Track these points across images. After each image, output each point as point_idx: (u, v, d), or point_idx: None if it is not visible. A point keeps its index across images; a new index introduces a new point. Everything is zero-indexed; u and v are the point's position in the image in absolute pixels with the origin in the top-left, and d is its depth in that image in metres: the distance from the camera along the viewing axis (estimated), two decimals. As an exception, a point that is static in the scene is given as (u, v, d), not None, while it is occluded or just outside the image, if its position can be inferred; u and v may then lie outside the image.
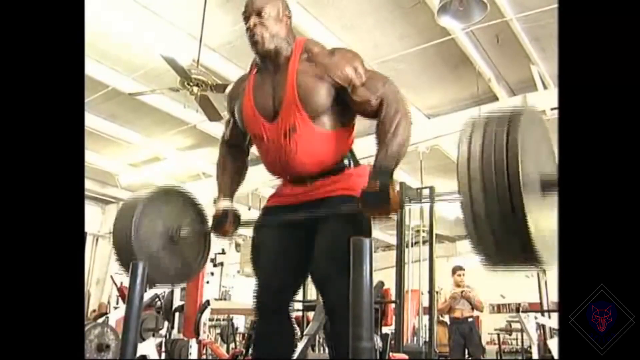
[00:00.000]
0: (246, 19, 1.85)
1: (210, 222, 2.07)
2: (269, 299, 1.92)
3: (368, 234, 1.82)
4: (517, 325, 8.71)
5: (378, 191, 1.66)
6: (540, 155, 1.32)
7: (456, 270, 6.99)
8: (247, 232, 9.58)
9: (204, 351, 5.89)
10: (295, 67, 1.83)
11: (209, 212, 2.12)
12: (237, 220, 2.01)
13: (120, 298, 7.68)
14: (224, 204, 2.01)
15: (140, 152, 8.69)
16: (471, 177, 1.21)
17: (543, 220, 1.24)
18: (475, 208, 1.21)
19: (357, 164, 1.95)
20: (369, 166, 1.82)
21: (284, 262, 1.92)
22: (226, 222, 1.98)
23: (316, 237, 1.81)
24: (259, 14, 1.82)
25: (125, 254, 1.98)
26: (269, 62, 1.88)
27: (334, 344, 1.92)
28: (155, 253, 2.01)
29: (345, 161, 1.92)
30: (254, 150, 2.08)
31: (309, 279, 2.05)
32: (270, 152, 1.90)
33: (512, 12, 5.00)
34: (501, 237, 1.19)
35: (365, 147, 2.07)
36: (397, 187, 1.72)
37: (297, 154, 1.83)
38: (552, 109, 6.05)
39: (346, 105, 1.86)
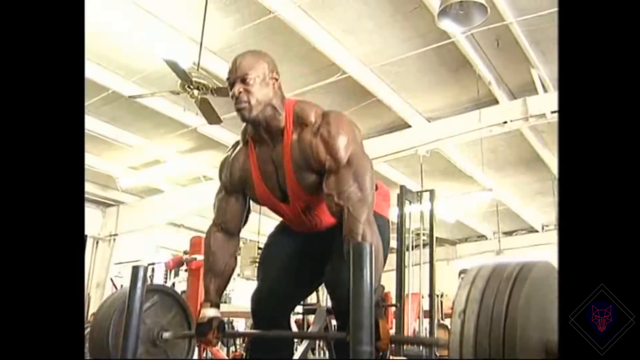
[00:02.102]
0: (230, 85, 1.75)
1: (194, 326, 1.99)
2: (270, 307, 1.91)
3: (386, 242, 1.82)
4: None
5: None
6: (547, 317, 1.17)
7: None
8: (247, 236, 9.58)
9: (204, 354, 5.88)
10: (289, 146, 1.75)
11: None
12: (221, 329, 1.90)
13: (120, 301, 7.66)
14: (210, 312, 1.87)
15: (140, 155, 8.69)
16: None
17: None
18: None
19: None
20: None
21: (292, 272, 1.91)
22: (210, 331, 1.86)
23: (333, 245, 1.79)
24: (243, 80, 1.72)
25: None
26: (262, 131, 1.80)
27: (337, 345, 1.92)
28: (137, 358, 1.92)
29: None
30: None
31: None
32: (294, 222, 1.93)
33: (512, 16, 5.00)
34: None
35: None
36: (387, 324, 1.61)
37: (322, 224, 1.88)
38: (552, 112, 6.06)
39: None
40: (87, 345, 1.98)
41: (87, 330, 2.12)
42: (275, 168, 1.80)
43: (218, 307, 1.90)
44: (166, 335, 2.00)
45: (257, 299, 1.95)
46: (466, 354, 1.10)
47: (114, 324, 1.90)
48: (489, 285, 1.16)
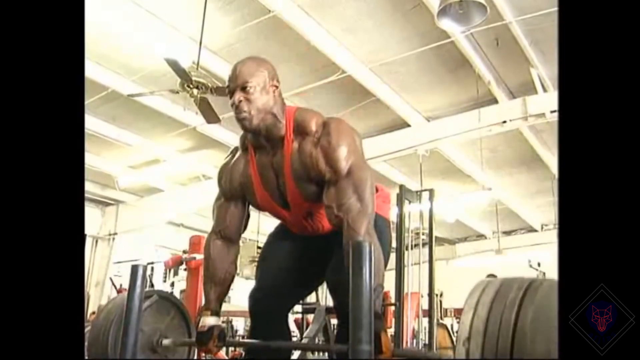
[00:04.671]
0: (230, 93, 1.73)
1: (194, 334, 1.96)
2: (268, 305, 1.92)
3: (386, 243, 1.83)
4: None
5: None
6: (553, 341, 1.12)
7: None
8: (247, 235, 9.58)
9: (203, 353, 5.87)
10: (289, 155, 1.74)
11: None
12: (222, 338, 1.85)
13: (119, 300, 7.67)
14: (210, 320, 1.84)
15: (139, 154, 8.69)
16: None
17: None
18: None
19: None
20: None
21: (291, 272, 1.92)
22: (210, 340, 1.81)
23: (333, 247, 1.78)
24: (243, 88, 1.70)
25: None
26: (262, 139, 1.79)
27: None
28: None
29: None
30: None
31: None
32: (296, 226, 1.93)
33: (512, 15, 5.01)
34: None
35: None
36: (389, 337, 1.55)
37: (323, 229, 1.87)
38: (551, 112, 6.07)
39: None
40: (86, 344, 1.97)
41: (86, 329, 2.11)
42: (275, 175, 1.80)
43: (218, 315, 1.88)
44: (166, 342, 1.97)
45: (255, 297, 1.95)
46: None
47: (113, 329, 1.89)
48: (492, 312, 1.13)
